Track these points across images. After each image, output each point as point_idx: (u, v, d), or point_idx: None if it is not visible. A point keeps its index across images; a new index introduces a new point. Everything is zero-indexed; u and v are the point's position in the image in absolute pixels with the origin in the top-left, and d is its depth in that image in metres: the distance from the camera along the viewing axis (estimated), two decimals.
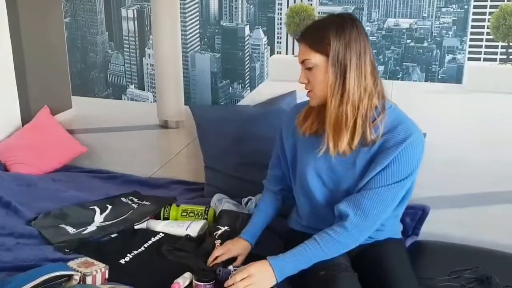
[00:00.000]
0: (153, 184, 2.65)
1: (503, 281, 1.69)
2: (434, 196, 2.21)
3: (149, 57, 2.79)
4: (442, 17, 2.19)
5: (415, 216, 2.05)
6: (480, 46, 2.15)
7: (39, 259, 1.81)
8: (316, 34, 1.59)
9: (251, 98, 2.59)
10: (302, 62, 1.62)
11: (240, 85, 2.61)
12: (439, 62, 2.22)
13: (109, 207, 2.26)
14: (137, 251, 1.89)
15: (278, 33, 2.46)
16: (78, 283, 1.60)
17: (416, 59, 2.26)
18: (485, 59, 2.15)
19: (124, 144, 2.94)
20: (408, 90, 2.27)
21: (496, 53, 2.13)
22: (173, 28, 2.65)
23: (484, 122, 2.18)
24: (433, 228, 2.08)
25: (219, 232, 1.88)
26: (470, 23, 2.14)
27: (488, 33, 2.12)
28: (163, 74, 2.76)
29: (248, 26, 2.52)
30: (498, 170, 2.17)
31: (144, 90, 2.84)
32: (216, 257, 1.76)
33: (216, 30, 2.59)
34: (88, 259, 1.72)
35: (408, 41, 2.26)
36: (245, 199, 2.23)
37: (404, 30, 2.26)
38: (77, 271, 1.62)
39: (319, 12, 2.35)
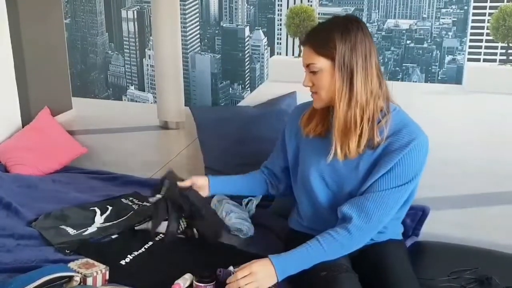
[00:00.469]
0: (153, 185, 2.63)
1: (503, 281, 1.69)
2: (434, 196, 2.21)
3: (149, 58, 2.79)
4: (442, 18, 2.19)
5: (415, 216, 2.05)
6: (480, 47, 2.15)
7: (40, 260, 1.81)
8: (321, 37, 1.57)
9: (251, 99, 2.59)
10: (307, 66, 1.61)
11: (240, 86, 2.61)
12: (439, 63, 2.23)
13: (110, 208, 2.26)
14: (138, 252, 1.89)
15: (278, 34, 2.47)
16: (79, 284, 1.60)
17: (416, 60, 2.26)
18: (484, 60, 2.15)
19: (124, 145, 2.94)
20: (408, 91, 2.28)
21: (495, 54, 2.13)
22: (173, 29, 2.65)
23: (484, 123, 2.18)
24: (433, 229, 2.08)
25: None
26: (470, 24, 2.15)
27: (487, 34, 2.12)
28: (163, 75, 2.76)
29: (248, 27, 2.52)
30: (498, 170, 2.17)
31: (144, 91, 2.84)
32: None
33: (216, 31, 2.59)
34: (89, 260, 1.72)
35: (408, 42, 2.27)
36: (245, 200, 2.23)
37: (404, 31, 2.26)
38: (78, 272, 1.62)
39: (319, 13, 2.36)
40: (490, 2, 2.09)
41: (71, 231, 2.06)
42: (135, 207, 2.28)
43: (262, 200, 2.23)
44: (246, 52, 2.56)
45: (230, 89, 2.64)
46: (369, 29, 2.17)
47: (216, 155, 2.47)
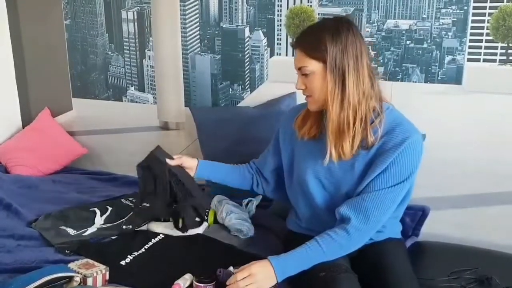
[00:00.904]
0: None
1: (503, 281, 1.69)
2: (434, 196, 2.21)
3: (149, 59, 2.79)
4: (441, 18, 2.19)
5: (415, 217, 2.05)
6: (480, 47, 2.15)
7: (40, 261, 1.81)
8: (312, 40, 1.58)
9: (251, 99, 2.60)
10: (299, 69, 1.61)
11: (240, 87, 2.62)
12: (439, 63, 2.23)
13: (110, 208, 2.26)
14: (138, 253, 1.89)
15: (278, 35, 2.47)
16: (79, 284, 1.60)
17: (416, 60, 2.26)
18: (484, 60, 2.15)
19: (124, 146, 2.94)
20: (408, 91, 2.28)
21: (495, 54, 2.13)
22: (173, 29, 2.65)
23: (483, 123, 2.18)
24: (433, 229, 2.08)
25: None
26: (470, 24, 2.15)
27: (487, 34, 2.12)
28: (163, 75, 2.76)
29: (248, 28, 2.52)
30: (498, 170, 2.17)
31: (144, 91, 2.84)
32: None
33: (216, 32, 2.59)
34: (89, 260, 1.72)
35: (408, 42, 2.27)
36: (246, 201, 2.23)
37: (404, 31, 2.26)
38: (78, 273, 1.62)
39: (318, 14, 2.36)
40: (490, 2, 2.09)
41: (71, 231, 2.06)
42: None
43: (262, 201, 2.24)
44: (246, 52, 2.56)
45: (230, 89, 2.64)
46: (369, 30, 2.18)
47: (216, 156, 2.46)
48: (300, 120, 1.73)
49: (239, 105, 2.63)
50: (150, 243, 1.94)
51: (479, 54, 2.16)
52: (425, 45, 2.24)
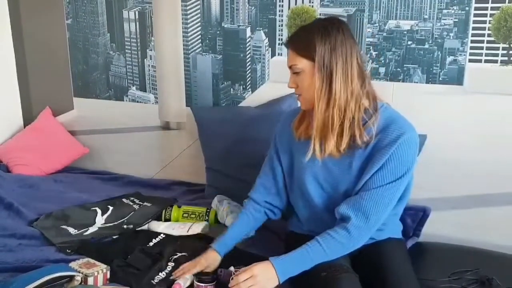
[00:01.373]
0: (154, 185, 2.66)
1: (504, 282, 1.69)
2: (435, 197, 2.21)
3: (150, 59, 2.79)
4: (443, 19, 2.19)
5: (416, 217, 2.05)
6: (481, 48, 2.15)
7: (41, 260, 1.82)
8: (302, 39, 1.61)
9: (252, 99, 2.60)
10: (290, 67, 1.64)
11: (241, 87, 2.62)
12: (440, 64, 2.23)
13: (111, 208, 2.26)
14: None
15: (279, 35, 2.47)
16: (80, 283, 1.61)
17: (417, 60, 2.26)
18: (486, 61, 2.15)
19: (125, 145, 2.94)
20: (409, 91, 2.28)
21: (497, 55, 2.13)
22: (175, 29, 2.65)
23: (485, 124, 2.18)
24: (434, 230, 2.08)
25: (176, 256, 1.81)
26: (471, 25, 2.15)
27: (489, 35, 2.12)
28: (164, 75, 2.76)
29: (249, 28, 2.52)
30: (499, 171, 2.17)
31: (145, 91, 2.84)
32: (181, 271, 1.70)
33: (218, 32, 2.60)
34: (90, 260, 1.73)
35: (409, 42, 2.27)
36: (246, 201, 2.23)
37: (405, 32, 2.26)
38: (79, 272, 1.63)
39: (320, 14, 2.36)
40: (492, 2, 2.09)
41: (72, 231, 2.07)
42: (136, 207, 2.28)
43: None
44: (247, 52, 2.56)
45: (231, 89, 2.64)
46: (370, 30, 2.18)
47: (217, 155, 2.47)
48: (297, 121, 1.74)
49: (240, 105, 2.63)
50: (151, 243, 1.94)
51: (481, 55, 2.16)
52: (426, 46, 2.24)
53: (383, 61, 2.30)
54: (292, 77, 1.65)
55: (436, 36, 2.22)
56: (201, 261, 1.70)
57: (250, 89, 2.60)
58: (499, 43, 2.11)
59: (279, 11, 2.44)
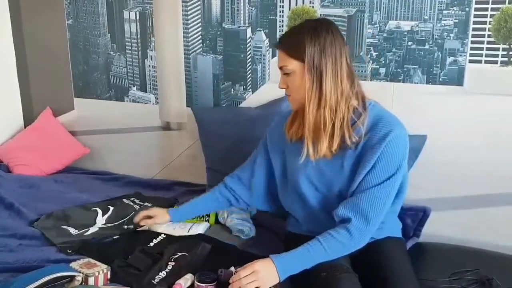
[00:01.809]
0: (155, 186, 2.66)
1: (504, 282, 1.69)
2: (435, 197, 2.21)
3: (151, 59, 2.80)
4: (443, 20, 2.20)
5: (416, 217, 2.05)
6: (481, 49, 2.15)
7: (42, 260, 1.82)
8: (292, 40, 1.62)
9: (253, 100, 2.60)
10: (281, 68, 1.66)
11: (241, 87, 2.62)
12: (441, 65, 2.23)
13: (111, 208, 2.26)
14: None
15: (280, 36, 2.47)
16: (81, 284, 1.61)
17: (418, 61, 2.26)
18: (486, 62, 2.15)
19: (126, 146, 2.95)
20: (409, 92, 2.28)
21: (497, 56, 2.13)
22: (175, 30, 2.66)
23: (485, 124, 2.18)
24: (434, 230, 2.08)
25: (176, 256, 1.82)
26: (471, 26, 2.15)
27: (489, 36, 2.12)
28: (165, 76, 2.77)
29: (250, 28, 2.53)
30: (499, 172, 2.17)
31: (146, 92, 2.85)
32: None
33: (218, 32, 2.60)
34: (91, 260, 1.73)
35: (410, 43, 2.27)
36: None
37: (406, 33, 2.26)
38: (80, 272, 1.63)
39: (320, 14, 2.36)
40: (492, 3, 2.09)
41: (72, 231, 2.07)
42: (137, 207, 2.29)
43: None
44: (248, 53, 2.56)
45: (232, 90, 2.64)
46: (371, 31, 2.18)
47: (218, 156, 2.47)
48: (289, 122, 1.76)
49: (240, 105, 2.63)
50: (152, 243, 1.95)
51: (481, 55, 2.16)
52: (426, 46, 2.24)
53: (383, 62, 2.30)
54: (282, 78, 1.67)
55: (437, 36, 2.22)
56: (152, 210, 2.03)
57: (250, 90, 2.61)
58: (499, 44, 2.12)
59: (280, 11, 2.44)
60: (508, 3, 2.06)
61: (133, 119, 2.91)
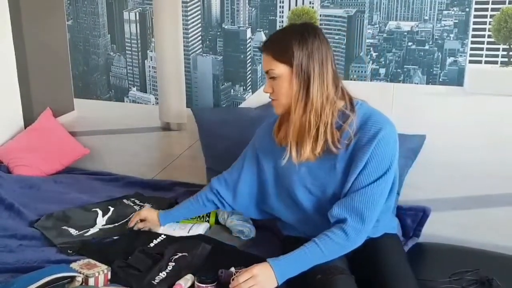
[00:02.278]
0: (155, 186, 2.66)
1: (504, 283, 1.69)
2: (435, 198, 2.21)
3: (151, 60, 2.80)
4: (443, 20, 2.20)
5: (416, 217, 2.05)
6: (482, 49, 2.15)
7: (42, 260, 1.82)
8: (279, 44, 1.62)
9: (253, 100, 2.60)
10: (267, 72, 1.65)
11: (241, 88, 2.62)
12: (441, 65, 2.23)
13: (111, 209, 2.27)
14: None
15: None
16: (81, 284, 1.61)
17: (418, 61, 2.26)
18: (486, 62, 2.15)
19: (126, 146, 2.95)
20: (409, 92, 2.28)
21: (497, 56, 2.13)
22: (175, 30, 2.66)
23: (485, 125, 2.18)
24: (434, 230, 2.08)
25: (176, 256, 1.81)
26: (472, 26, 2.15)
27: (489, 36, 2.12)
28: (165, 76, 2.77)
29: (249, 29, 2.53)
30: (499, 172, 2.17)
31: (146, 92, 2.85)
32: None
33: (218, 33, 2.60)
34: (91, 260, 1.73)
35: (410, 43, 2.27)
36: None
37: (406, 33, 2.26)
38: (80, 273, 1.63)
39: (320, 15, 2.36)
40: (492, 3, 2.09)
41: (73, 231, 2.07)
42: (137, 208, 2.28)
43: None
44: (248, 53, 2.56)
45: (232, 90, 2.64)
46: (371, 31, 2.19)
47: (218, 156, 2.47)
48: (276, 128, 1.76)
49: (240, 106, 2.63)
50: (152, 244, 1.95)
51: (481, 56, 2.16)
52: (426, 47, 2.24)
53: (383, 62, 2.30)
54: (268, 82, 1.66)
55: (437, 37, 2.22)
56: (142, 212, 2.04)
57: (250, 90, 2.61)
58: (499, 44, 2.12)
59: (280, 12, 2.44)
60: (508, 3, 2.06)
61: (133, 119, 2.91)
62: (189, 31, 2.64)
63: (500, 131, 2.16)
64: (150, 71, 2.81)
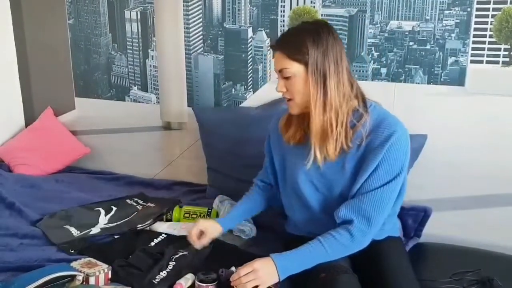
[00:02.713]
0: (156, 185, 2.66)
1: (505, 283, 1.69)
2: (436, 198, 2.21)
3: (152, 59, 2.80)
4: (445, 20, 2.20)
5: (417, 217, 2.05)
6: (483, 49, 2.15)
7: (43, 259, 1.82)
8: (293, 42, 1.58)
9: (254, 99, 2.60)
10: (280, 71, 1.62)
11: (242, 87, 2.62)
12: (442, 65, 2.23)
13: (114, 208, 2.26)
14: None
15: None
16: (81, 283, 1.61)
17: (419, 61, 2.26)
18: (487, 62, 2.15)
19: (127, 145, 2.95)
20: (410, 92, 2.28)
21: (498, 56, 2.13)
22: (177, 29, 2.66)
23: (486, 125, 2.18)
24: (435, 230, 2.08)
25: (177, 256, 1.80)
26: (473, 26, 2.15)
27: (490, 36, 2.12)
28: (166, 75, 2.77)
29: (251, 28, 2.53)
30: (500, 172, 2.17)
31: (147, 91, 2.85)
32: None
33: (219, 32, 2.60)
34: (91, 259, 1.73)
35: (411, 43, 2.27)
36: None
37: (407, 33, 2.26)
38: (80, 272, 1.63)
39: (322, 14, 2.36)
40: (493, 3, 2.09)
41: (74, 231, 2.07)
42: (139, 208, 2.28)
43: None
44: (249, 53, 2.56)
45: (233, 90, 2.64)
46: (372, 31, 2.18)
47: (218, 156, 2.47)
48: (283, 125, 1.74)
49: (241, 105, 2.64)
50: (153, 243, 1.94)
51: (482, 55, 2.16)
52: (428, 47, 2.24)
53: (384, 62, 2.30)
54: (281, 81, 1.63)
55: (438, 37, 2.22)
56: (200, 223, 1.81)
57: (251, 89, 2.61)
58: (501, 44, 2.12)
59: (281, 11, 2.44)
60: (510, 3, 2.06)
61: (134, 118, 2.92)
62: (190, 30, 2.64)
63: (501, 131, 2.16)
64: (151, 70, 2.81)
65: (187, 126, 2.78)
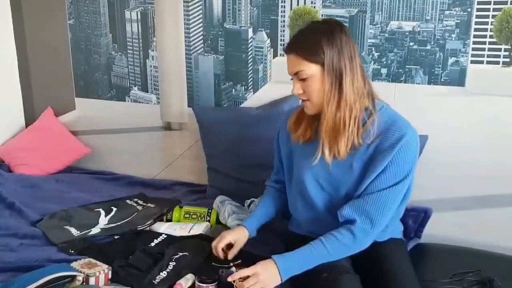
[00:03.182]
0: (156, 186, 2.66)
1: (505, 283, 1.69)
2: (436, 198, 2.21)
3: (152, 59, 2.80)
4: (445, 20, 2.20)
5: (417, 218, 2.04)
6: (483, 49, 2.15)
7: (43, 260, 1.81)
8: (308, 43, 1.57)
9: (254, 100, 2.60)
10: (296, 74, 1.60)
11: (243, 87, 2.62)
12: (442, 65, 2.23)
13: (114, 209, 2.26)
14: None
15: (281, 36, 2.47)
16: (81, 284, 1.60)
17: (419, 61, 2.26)
18: (488, 62, 2.15)
19: (127, 146, 2.95)
20: (411, 92, 2.28)
21: (499, 56, 2.13)
22: (177, 30, 2.66)
23: (486, 125, 2.18)
24: (435, 231, 2.08)
25: (177, 256, 1.79)
26: (473, 26, 2.15)
27: (491, 36, 2.12)
28: (166, 76, 2.77)
29: (251, 29, 2.53)
30: (501, 172, 2.17)
31: (147, 92, 2.85)
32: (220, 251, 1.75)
33: (220, 32, 2.60)
34: (91, 260, 1.73)
35: (411, 44, 2.27)
36: (248, 201, 2.23)
37: (407, 33, 2.27)
38: (80, 272, 1.63)
39: (322, 15, 2.36)
40: (494, 4, 2.09)
41: (74, 232, 2.06)
42: (140, 208, 2.28)
43: None
44: (249, 53, 2.56)
45: (233, 90, 2.64)
46: (372, 31, 2.18)
47: (219, 156, 2.47)
48: (293, 124, 1.73)
49: (241, 105, 2.64)
50: (153, 244, 1.94)
51: (483, 56, 2.16)
52: (428, 47, 2.25)
53: (385, 62, 2.31)
54: (297, 83, 1.61)
55: (438, 37, 2.22)
56: (225, 236, 1.74)
57: (251, 90, 2.61)
58: (501, 45, 2.12)
59: (281, 12, 2.45)
60: (510, 4, 2.06)
61: (134, 119, 2.92)
62: (191, 30, 2.64)
63: (502, 131, 2.16)
64: (151, 70, 2.81)
65: (187, 126, 2.78)
